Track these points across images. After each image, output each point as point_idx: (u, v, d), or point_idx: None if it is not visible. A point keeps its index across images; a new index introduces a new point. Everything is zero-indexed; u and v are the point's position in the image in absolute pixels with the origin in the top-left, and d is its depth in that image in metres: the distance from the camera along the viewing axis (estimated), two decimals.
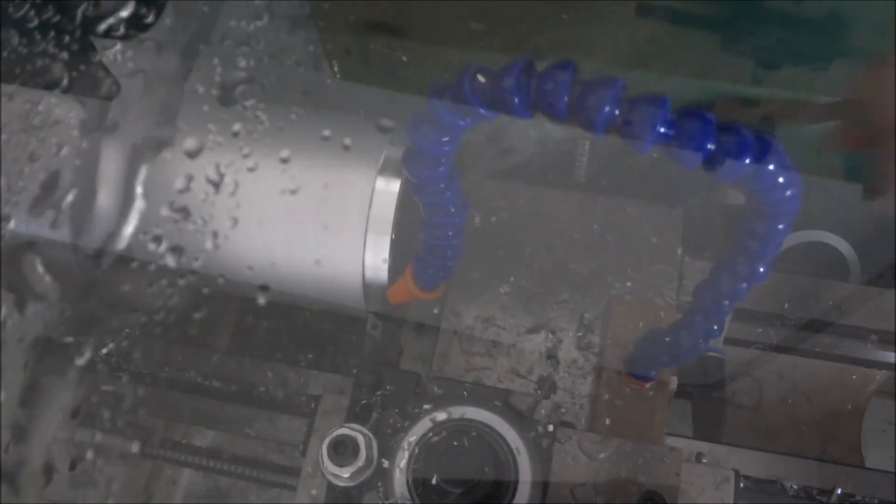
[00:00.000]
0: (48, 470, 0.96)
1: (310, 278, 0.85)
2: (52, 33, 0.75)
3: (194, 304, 0.82)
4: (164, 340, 0.97)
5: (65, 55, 0.76)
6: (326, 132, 0.85)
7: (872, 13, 0.82)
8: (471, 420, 0.79)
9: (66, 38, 0.75)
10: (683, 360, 0.84)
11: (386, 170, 0.82)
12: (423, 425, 0.79)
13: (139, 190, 0.79)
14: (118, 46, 0.80)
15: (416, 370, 0.87)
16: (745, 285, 0.69)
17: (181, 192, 0.79)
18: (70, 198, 0.79)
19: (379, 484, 0.79)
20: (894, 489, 0.89)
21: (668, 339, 0.81)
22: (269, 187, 0.83)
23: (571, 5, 0.90)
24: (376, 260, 0.83)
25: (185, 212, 0.79)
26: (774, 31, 0.87)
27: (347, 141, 0.84)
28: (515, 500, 0.76)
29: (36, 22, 0.75)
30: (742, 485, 0.85)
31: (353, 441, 0.77)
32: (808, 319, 1.07)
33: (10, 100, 0.80)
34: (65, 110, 0.81)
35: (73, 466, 0.97)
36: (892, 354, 1.06)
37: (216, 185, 0.79)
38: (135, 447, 0.97)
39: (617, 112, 0.57)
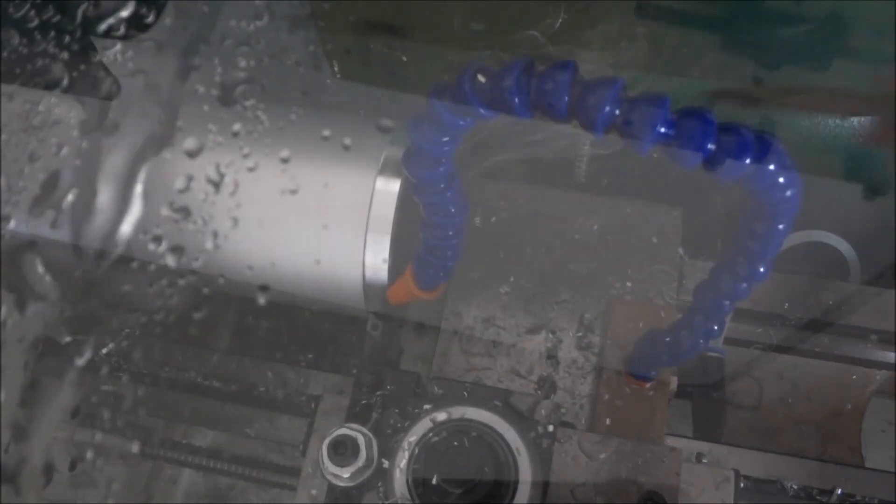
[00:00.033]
0: (48, 470, 0.96)
1: (310, 278, 0.85)
2: (52, 33, 0.75)
3: (194, 304, 0.82)
4: (164, 340, 0.97)
5: (65, 55, 0.76)
6: (326, 132, 0.85)
7: (872, 13, 0.82)
8: (471, 420, 0.79)
9: (66, 38, 0.75)
10: (683, 361, 0.84)
11: (386, 170, 0.82)
12: (423, 425, 0.79)
13: (139, 190, 0.78)
14: (118, 46, 0.80)
15: (417, 370, 0.87)
16: (745, 285, 0.69)
17: (181, 192, 0.79)
18: (70, 198, 0.79)
19: (379, 484, 0.79)
20: (894, 489, 0.89)
21: (668, 339, 0.81)
22: (269, 187, 0.83)
23: (571, 5, 0.90)
24: (376, 260, 0.83)
25: (185, 212, 0.79)
26: (774, 31, 0.87)
27: (347, 141, 0.84)
28: (515, 501, 0.76)
29: (36, 22, 0.75)
30: (742, 485, 0.85)
31: (354, 441, 0.77)
32: (808, 319, 1.07)
33: (10, 100, 0.80)
34: (65, 110, 0.81)
35: (73, 466, 0.97)
36: (892, 354, 1.06)
37: (216, 185, 0.79)
38: (135, 447, 0.97)
39: (617, 112, 0.57)
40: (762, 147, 0.58)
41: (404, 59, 1.01)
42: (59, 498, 0.99)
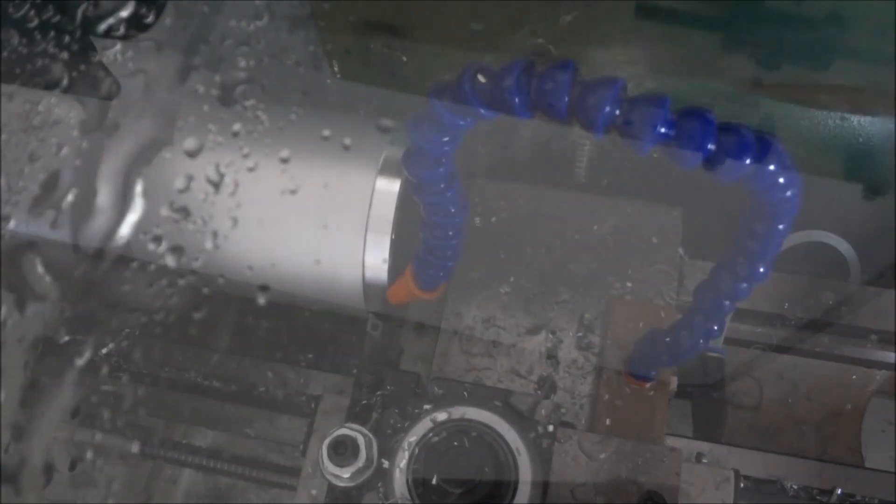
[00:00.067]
0: (48, 470, 0.96)
1: (310, 278, 0.85)
2: (52, 33, 0.75)
3: (194, 304, 0.82)
4: (164, 340, 0.97)
5: (65, 55, 0.76)
6: (326, 132, 0.85)
7: (872, 13, 0.82)
8: (471, 420, 0.79)
9: (66, 38, 0.75)
10: (683, 361, 0.84)
11: (386, 170, 0.82)
12: (423, 426, 0.79)
13: (139, 190, 0.78)
14: (118, 46, 0.80)
15: (417, 370, 0.87)
16: (745, 285, 0.69)
17: (181, 192, 0.79)
18: (70, 198, 0.79)
19: (379, 484, 0.79)
20: (894, 489, 0.89)
21: (668, 339, 0.81)
22: (269, 187, 0.83)
23: (572, 5, 0.90)
24: (376, 260, 0.83)
25: (185, 212, 0.79)
26: (774, 31, 0.87)
27: (347, 141, 0.84)
28: (516, 501, 0.76)
29: (36, 22, 0.75)
30: (742, 485, 0.85)
31: (354, 441, 0.77)
32: (808, 319, 1.07)
33: (10, 100, 0.80)
34: (65, 110, 0.81)
35: (73, 466, 0.97)
36: (892, 354, 1.06)
37: (216, 185, 0.79)
38: (135, 447, 0.97)
39: (617, 112, 0.57)
40: (762, 147, 0.58)
41: (404, 59, 1.01)
42: (59, 498, 0.99)
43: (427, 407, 0.81)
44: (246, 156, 0.81)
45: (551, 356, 0.96)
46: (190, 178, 0.79)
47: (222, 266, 0.85)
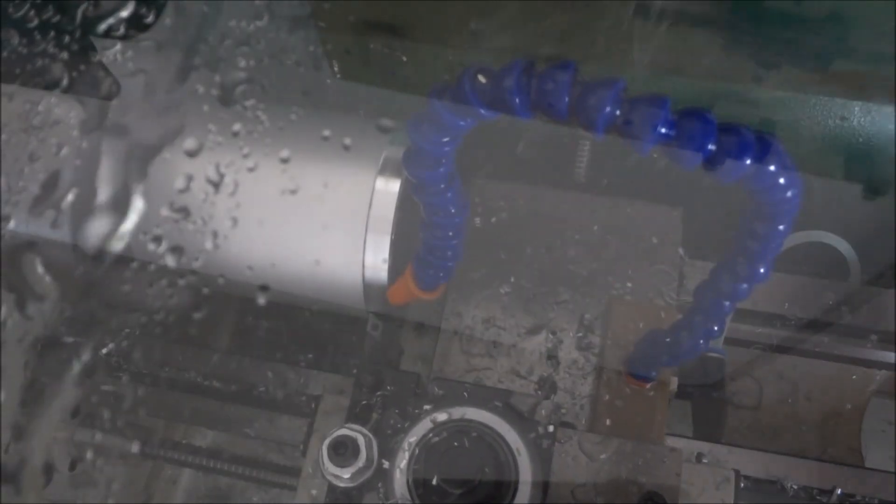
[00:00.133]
0: (48, 470, 0.96)
1: (310, 278, 0.85)
2: (52, 33, 0.75)
3: (194, 304, 0.82)
4: (164, 340, 0.97)
5: (65, 55, 0.76)
6: (326, 132, 0.85)
7: (872, 13, 0.82)
8: (471, 421, 0.79)
9: (66, 38, 0.75)
10: (684, 361, 0.84)
11: (386, 170, 0.82)
12: (423, 426, 0.79)
13: (139, 190, 0.78)
14: (118, 46, 0.80)
15: (417, 370, 0.87)
16: (745, 286, 0.69)
17: (181, 192, 0.79)
18: (70, 198, 0.79)
19: (379, 484, 0.79)
20: (894, 489, 0.89)
21: (668, 339, 0.81)
22: (269, 187, 0.83)
23: (572, 6, 0.90)
24: (376, 260, 0.83)
25: (185, 212, 0.79)
26: (774, 31, 0.87)
27: (347, 141, 0.84)
28: (516, 501, 0.76)
29: (36, 22, 0.75)
30: (742, 485, 0.85)
31: (354, 442, 0.77)
32: (808, 319, 1.07)
33: (10, 100, 0.80)
34: (65, 110, 0.81)
35: (73, 466, 0.97)
36: (892, 354, 1.06)
37: (216, 185, 0.79)
38: (135, 447, 0.97)
39: (617, 112, 0.57)
40: (762, 147, 0.58)
41: (404, 59, 1.01)
42: (59, 498, 0.99)
43: (427, 407, 0.81)
44: (246, 156, 0.81)
45: (551, 356, 0.96)
46: (190, 178, 0.79)
47: (222, 266, 0.85)
